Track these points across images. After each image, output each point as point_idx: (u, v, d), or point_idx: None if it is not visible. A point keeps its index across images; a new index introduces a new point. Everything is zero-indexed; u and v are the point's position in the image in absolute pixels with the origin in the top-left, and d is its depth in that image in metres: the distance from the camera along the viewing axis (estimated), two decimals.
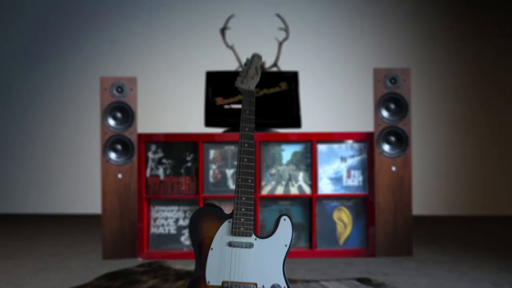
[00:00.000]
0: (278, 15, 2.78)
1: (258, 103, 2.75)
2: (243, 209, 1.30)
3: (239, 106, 2.61)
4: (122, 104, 2.44)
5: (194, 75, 3.73)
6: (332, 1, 4.51)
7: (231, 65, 3.00)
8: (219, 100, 2.67)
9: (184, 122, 3.84)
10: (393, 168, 2.46)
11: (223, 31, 2.81)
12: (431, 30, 4.40)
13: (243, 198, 1.31)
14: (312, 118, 3.45)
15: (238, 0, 4.23)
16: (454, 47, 4.37)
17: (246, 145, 1.35)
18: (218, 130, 2.72)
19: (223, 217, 1.32)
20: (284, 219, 1.32)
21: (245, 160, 1.34)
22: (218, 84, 2.69)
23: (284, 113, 2.69)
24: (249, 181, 1.32)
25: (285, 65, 3.01)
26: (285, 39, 2.73)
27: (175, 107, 4.34)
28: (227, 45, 2.72)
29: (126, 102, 2.44)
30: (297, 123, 2.68)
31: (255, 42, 3.17)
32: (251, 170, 1.33)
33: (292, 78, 2.67)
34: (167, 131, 2.60)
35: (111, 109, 2.44)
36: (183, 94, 4.28)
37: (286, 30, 2.76)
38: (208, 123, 2.69)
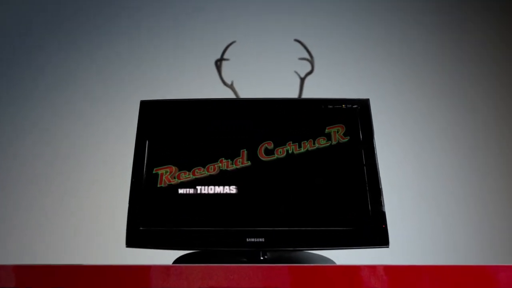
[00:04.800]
0: (298, 41, 1.84)
1: (275, 176, 1.11)
2: None
3: (219, 189, 0.99)
4: None
5: (106, 111, 2.17)
6: None
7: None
8: (167, 176, 1.01)
9: (73, 242, 1.79)
10: None
11: (219, 63, 1.88)
12: None
13: None
14: (417, 224, 1.84)
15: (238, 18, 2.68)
16: None
17: None
18: (165, 258, 1.03)
19: None
20: None
21: None
22: (168, 132, 1.07)
23: (341, 206, 1.00)
24: None
25: (334, 93, 1.65)
26: (310, 72, 1.86)
27: (53, 199, 1.94)
28: (225, 83, 1.87)
29: None
30: (377, 232, 0.97)
31: (264, 78, 2.23)
32: None
33: (357, 114, 1.07)
34: (31, 262, 1.32)
35: None
36: (77, 162, 1.99)
37: (311, 60, 1.83)
38: (133, 240, 0.98)
